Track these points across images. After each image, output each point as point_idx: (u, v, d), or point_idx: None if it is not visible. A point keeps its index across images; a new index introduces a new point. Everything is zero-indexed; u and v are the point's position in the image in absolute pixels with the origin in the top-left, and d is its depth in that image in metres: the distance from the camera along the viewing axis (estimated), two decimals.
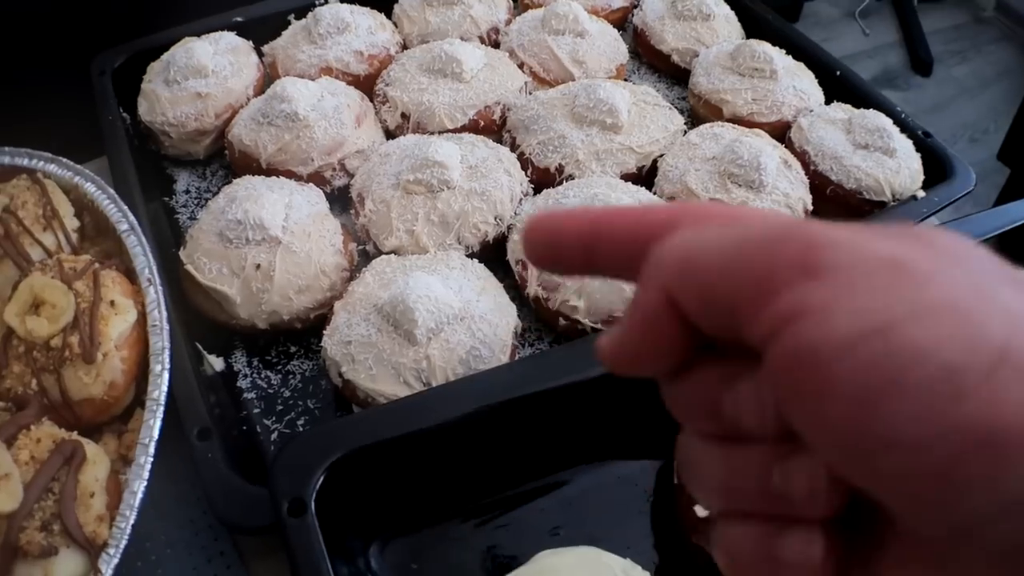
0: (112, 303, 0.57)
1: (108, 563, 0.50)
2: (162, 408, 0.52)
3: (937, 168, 0.75)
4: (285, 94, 0.69)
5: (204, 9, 0.86)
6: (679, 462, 0.23)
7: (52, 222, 0.65)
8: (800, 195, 0.70)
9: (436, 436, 0.48)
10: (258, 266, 0.60)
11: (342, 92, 0.73)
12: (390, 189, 0.66)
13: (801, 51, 0.85)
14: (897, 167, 0.73)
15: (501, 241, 0.66)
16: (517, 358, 0.59)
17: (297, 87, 0.70)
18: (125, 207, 0.63)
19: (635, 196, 0.65)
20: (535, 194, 0.69)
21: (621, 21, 0.93)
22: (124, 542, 0.50)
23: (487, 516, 0.53)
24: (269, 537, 0.48)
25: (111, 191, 0.65)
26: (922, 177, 0.74)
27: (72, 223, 0.66)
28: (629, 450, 0.57)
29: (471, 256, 0.64)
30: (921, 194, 0.72)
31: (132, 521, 0.50)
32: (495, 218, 0.65)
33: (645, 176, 0.73)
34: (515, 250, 0.64)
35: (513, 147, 0.72)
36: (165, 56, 0.78)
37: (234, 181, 0.67)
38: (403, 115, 0.73)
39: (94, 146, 0.78)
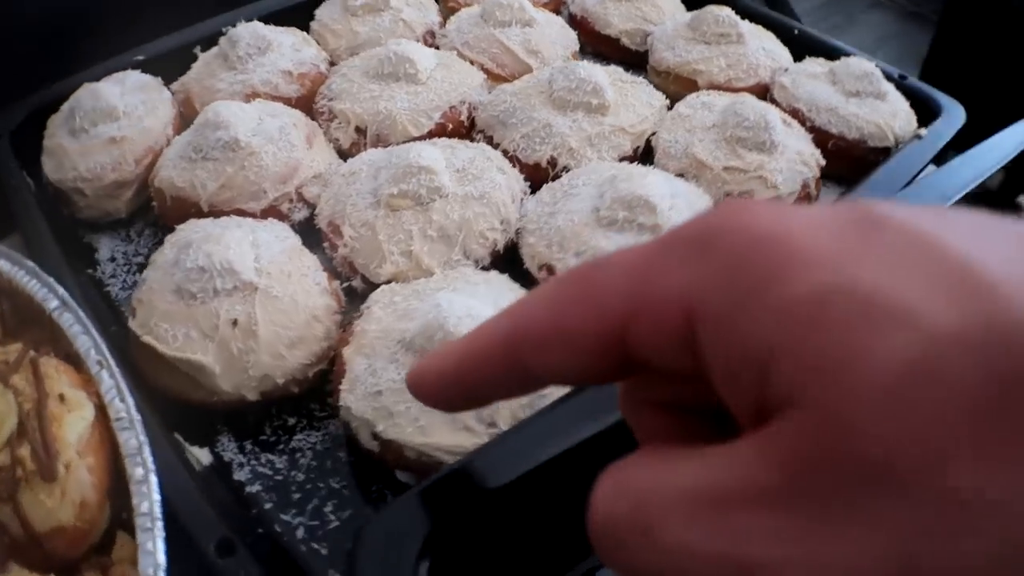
0: (62, 397, 0.44)
1: None
2: (160, 523, 0.40)
3: (922, 108, 0.72)
4: (219, 120, 0.58)
5: (98, 53, 0.73)
6: None
7: None
8: (812, 151, 0.64)
9: (550, 471, 0.38)
10: (235, 321, 0.48)
11: (282, 112, 0.62)
12: (370, 209, 0.55)
13: (751, 14, 0.81)
14: (893, 110, 0.69)
15: (512, 248, 0.57)
16: None
17: (231, 110, 0.59)
18: (50, 279, 0.50)
19: (657, 172, 0.58)
20: (531, 193, 0.60)
21: (555, 10, 0.86)
22: None
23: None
24: None
25: (29, 263, 0.51)
26: (915, 117, 0.71)
27: None
28: None
29: (482, 270, 0.54)
30: (923, 132, 0.68)
31: None
32: (501, 223, 0.56)
33: (640, 157, 0.66)
34: (534, 256, 0.55)
35: (491, 146, 0.63)
36: (66, 105, 0.65)
37: (178, 228, 0.54)
38: (358, 129, 0.63)
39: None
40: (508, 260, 0.57)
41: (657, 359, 0.18)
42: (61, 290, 0.49)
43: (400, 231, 0.54)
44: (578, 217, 0.55)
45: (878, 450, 0.14)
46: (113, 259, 0.62)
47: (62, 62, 0.74)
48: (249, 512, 0.46)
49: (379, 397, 0.45)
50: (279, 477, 0.48)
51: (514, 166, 0.62)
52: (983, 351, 0.13)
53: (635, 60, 0.81)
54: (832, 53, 0.76)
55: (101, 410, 0.44)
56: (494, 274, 0.52)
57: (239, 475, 0.49)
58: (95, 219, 0.63)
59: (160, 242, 0.62)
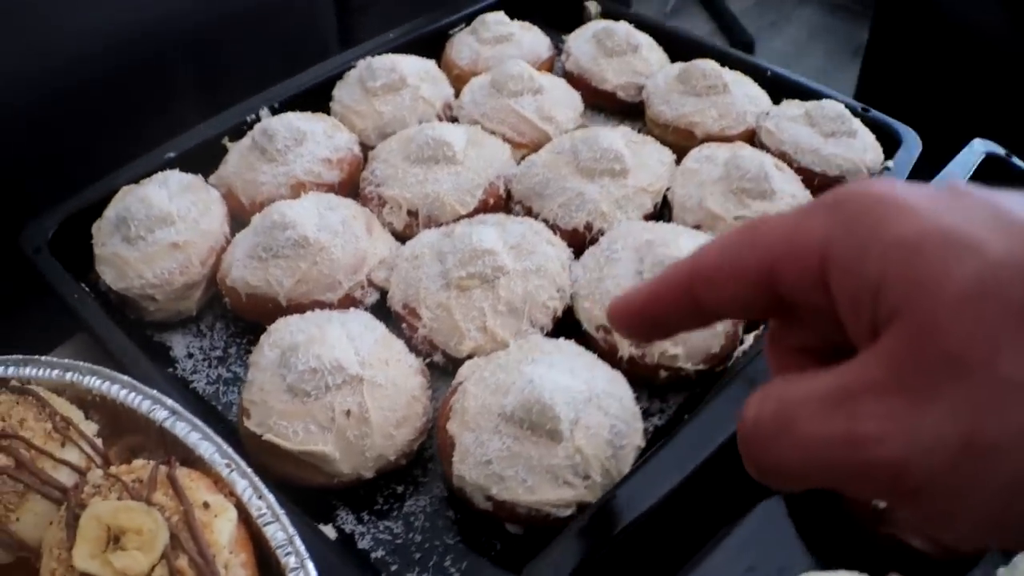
0: (205, 504, 0.50)
1: None
2: None
3: (884, 137, 0.82)
4: (286, 220, 0.65)
5: (121, 153, 0.78)
6: None
7: (68, 433, 0.56)
8: (803, 192, 0.74)
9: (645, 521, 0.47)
10: (348, 412, 0.55)
11: (338, 204, 0.69)
12: (442, 291, 0.63)
13: (726, 58, 0.91)
14: (863, 146, 0.80)
15: (568, 311, 0.65)
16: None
17: (295, 210, 0.66)
18: (155, 392, 0.56)
19: (685, 231, 0.67)
20: (575, 258, 0.69)
21: (549, 70, 0.95)
22: None
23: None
24: None
25: (124, 378, 0.57)
26: (880, 151, 0.81)
27: (90, 428, 0.57)
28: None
29: (546, 335, 0.63)
30: (890, 164, 0.79)
31: None
32: (557, 291, 0.64)
33: (659, 212, 0.75)
34: (591, 319, 0.64)
35: (530, 216, 0.72)
36: (112, 212, 0.70)
37: (270, 328, 0.61)
38: (409, 212, 0.71)
39: (42, 333, 0.69)
40: (566, 322, 0.65)
41: (799, 294, 0.24)
42: (168, 400, 0.55)
43: (473, 309, 0.62)
44: (624, 281, 0.63)
45: (953, 345, 0.19)
46: (191, 355, 0.68)
47: (91, 162, 0.79)
48: None
49: (489, 465, 0.53)
50: (399, 541, 0.56)
51: (555, 233, 0.70)
52: None
53: (631, 111, 0.90)
54: (802, 92, 0.87)
55: (239, 508, 0.51)
56: (563, 342, 0.60)
57: (362, 544, 0.56)
58: (164, 320, 0.69)
59: (234, 334, 0.69)
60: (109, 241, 0.69)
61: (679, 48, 0.94)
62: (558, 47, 0.97)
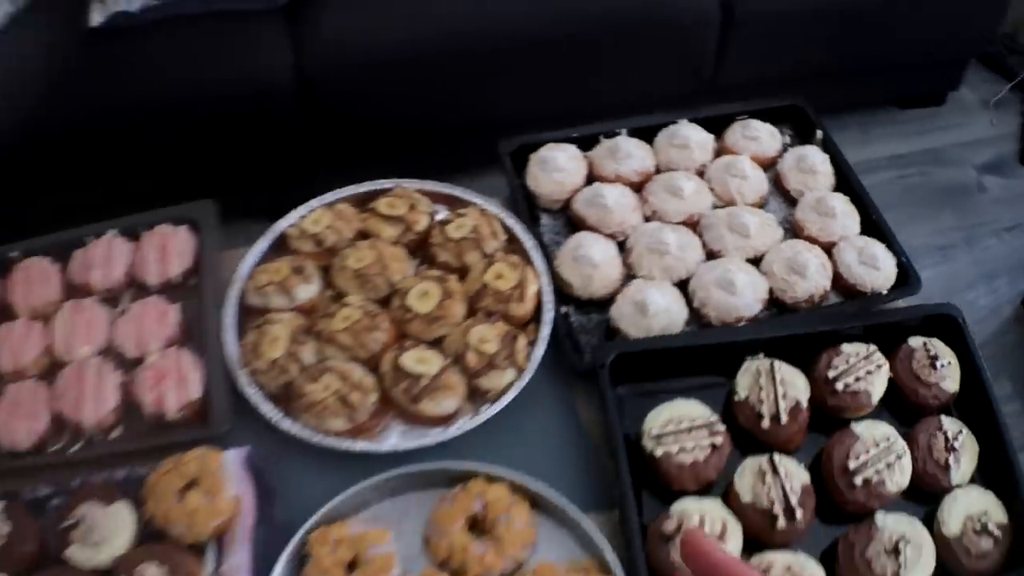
0: (528, 278, 1.62)
1: (524, 377, 1.56)
2: (550, 324, 1.57)
3: (906, 277, 1.68)
4: (602, 193, 1.70)
5: (547, 127, 1.88)
6: None
7: (494, 236, 1.70)
8: (824, 284, 1.65)
9: None
10: (588, 275, 1.63)
11: (627, 194, 1.73)
12: (644, 248, 1.66)
13: (857, 196, 1.77)
14: (877, 276, 1.65)
15: (685, 280, 1.66)
16: None
17: (607, 191, 1.71)
18: (529, 234, 1.67)
19: (749, 271, 1.63)
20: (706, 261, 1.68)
21: (772, 162, 1.87)
22: (532, 371, 1.56)
23: None
24: (588, 382, 1.51)
25: (522, 224, 1.69)
26: (891, 283, 1.67)
27: (502, 237, 1.70)
28: None
29: (674, 285, 1.65)
30: (884, 291, 1.66)
31: (536, 363, 1.56)
32: (687, 272, 1.65)
33: (757, 260, 1.70)
34: (688, 284, 1.64)
35: (701, 237, 1.71)
36: (539, 155, 1.77)
37: (574, 236, 1.69)
38: (653, 211, 1.74)
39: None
40: (684, 282, 1.66)
41: None
42: (532, 240, 1.66)
43: (647, 260, 1.65)
44: (705, 276, 1.62)
45: None
46: (546, 224, 1.77)
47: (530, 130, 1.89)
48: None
49: (622, 314, 1.58)
50: (590, 325, 1.64)
51: (705, 247, 1.69)
52: None
53: (795, 202, 1.81)
54: (884, 236, 1.72)
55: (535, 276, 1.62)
56: (669, 287, 1.62)
57: (573, 321, 1.65)
58: (543, 207, 1.79)
59: (567, 223, 1.79)
60: (534, 167, 1.78)
61: (847, 181, 1.82)
62: (788, 147, 1.88)
